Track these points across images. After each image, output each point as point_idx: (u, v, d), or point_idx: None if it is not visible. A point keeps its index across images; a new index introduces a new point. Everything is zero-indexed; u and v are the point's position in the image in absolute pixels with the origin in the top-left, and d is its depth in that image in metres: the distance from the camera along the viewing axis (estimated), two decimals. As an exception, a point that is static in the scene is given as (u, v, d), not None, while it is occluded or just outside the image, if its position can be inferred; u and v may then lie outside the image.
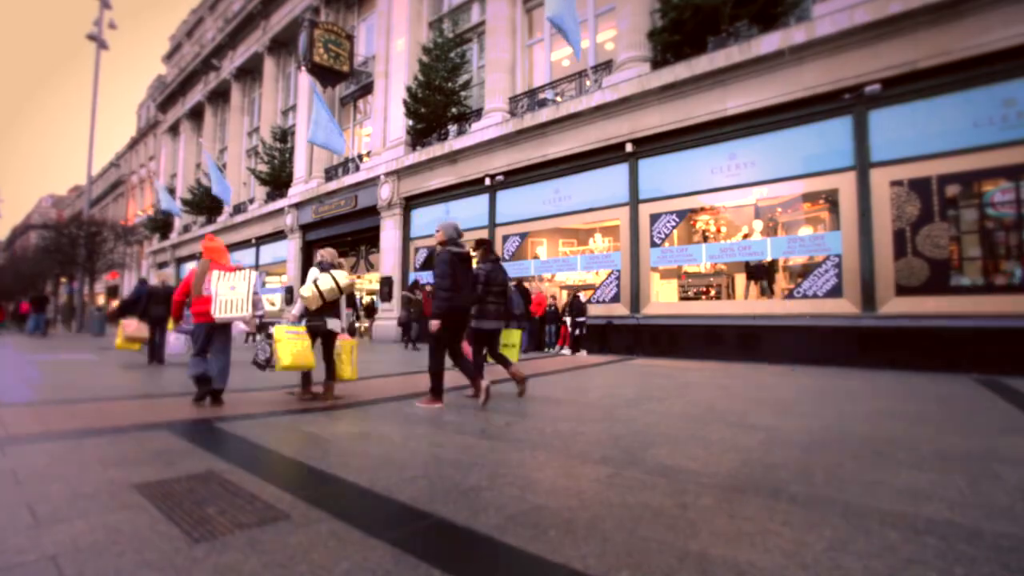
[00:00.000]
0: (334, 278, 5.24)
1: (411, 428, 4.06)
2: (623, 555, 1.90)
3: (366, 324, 19.17)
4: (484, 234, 13.90)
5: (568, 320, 11.47)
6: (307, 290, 5.16)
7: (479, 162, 13.92)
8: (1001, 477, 2.83)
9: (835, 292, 8.67)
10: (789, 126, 9.26)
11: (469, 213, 14.53)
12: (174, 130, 35.73)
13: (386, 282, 16.37)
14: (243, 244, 25.14)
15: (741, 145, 9.78)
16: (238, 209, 25.87)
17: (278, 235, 22.39)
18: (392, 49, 17.50)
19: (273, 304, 21.89)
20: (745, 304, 10.29)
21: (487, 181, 13.75)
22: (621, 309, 11.09)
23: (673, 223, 10.60)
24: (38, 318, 21.16)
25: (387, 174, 16.37)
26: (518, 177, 13.25)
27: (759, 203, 10.37)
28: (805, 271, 9.54)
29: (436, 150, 14.79)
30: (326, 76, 18.28)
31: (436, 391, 4.97)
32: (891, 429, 3.98)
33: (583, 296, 11.62)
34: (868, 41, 8.30)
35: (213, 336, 4.97)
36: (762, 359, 9.05)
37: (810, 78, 8.82)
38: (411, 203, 16.26)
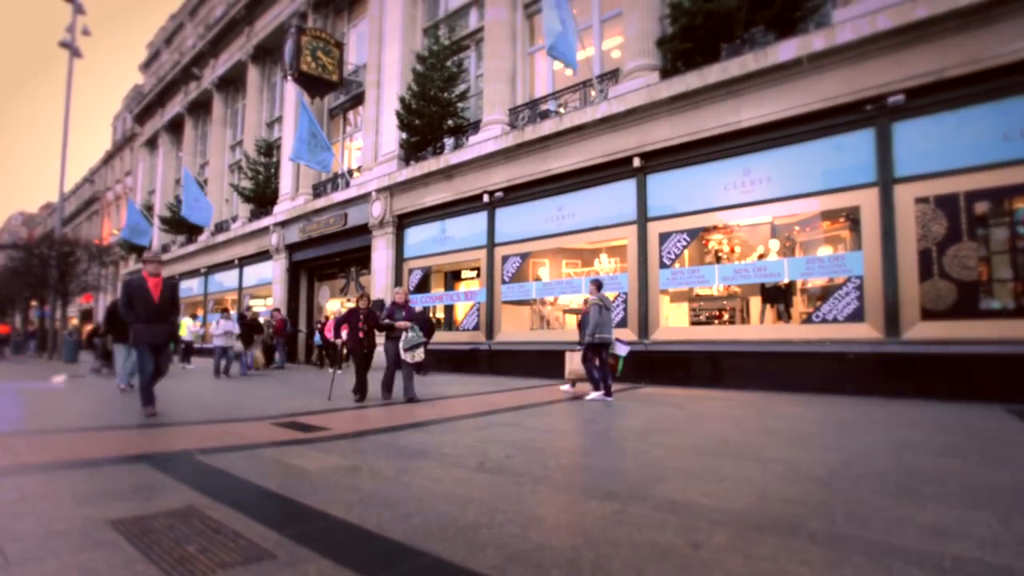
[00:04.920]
0: None
1: (404, 462, 4.09)
2: (629, 595, 1.93)
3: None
4: (482, 254, 14.02)
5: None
6: None
7: (477, 177, 14.04)
8: (1034, 513, 2.86)
9: (856, 316, 8.70)
10: (807, 139, 9.34)
11: (466, 232, 14.63)
12: (152, 143, 36.04)
13: (378, 305, 16.39)
14: (225, 265, 25.23)
15: (756, 159, 9.88)
16: (220, 228, 25.99)
17: (263, 255, 22.45)
18: (385, 57, 17.73)
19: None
20: (761, 329, 10.33)
21: (485, 198, 13.86)
22: (628, 335, 11.13)
23: (684, 243, 10.68)
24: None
25: (379, 190, 16.50)
26: (519, 193, 13.36)
27: (775, 221, 10.46)
28: (824, 294, 9.58)
29: (431, 165, 14.90)
30: (314, 86, 18.51)
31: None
32: (916, 462, 4.01)
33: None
34: (892, 49, 8.38)
35: None
36: (779, 388, 9.03)
37: (830, 88, 8.92)
38: (404, 221, 16.36)
